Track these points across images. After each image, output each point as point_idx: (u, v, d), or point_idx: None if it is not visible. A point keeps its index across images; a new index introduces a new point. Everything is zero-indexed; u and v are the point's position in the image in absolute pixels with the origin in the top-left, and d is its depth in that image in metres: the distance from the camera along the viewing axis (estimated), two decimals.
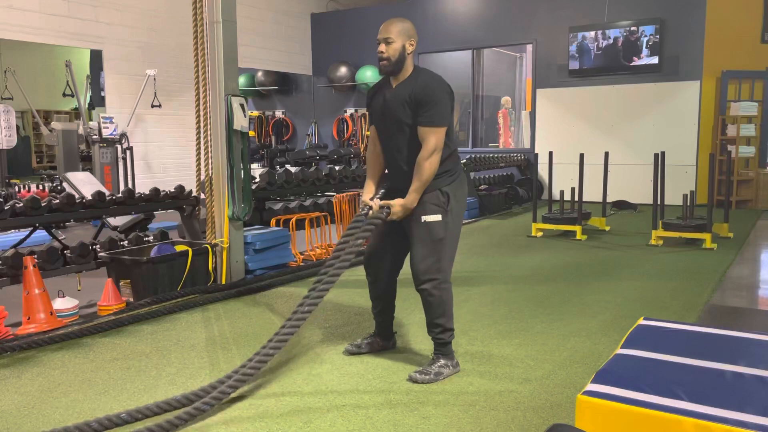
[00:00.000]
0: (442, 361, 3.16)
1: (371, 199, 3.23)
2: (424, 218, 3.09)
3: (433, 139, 3.02)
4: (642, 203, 9.53)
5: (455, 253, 3.22)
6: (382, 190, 3.28)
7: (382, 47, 3.09)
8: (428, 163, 3.02)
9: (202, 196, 5.30)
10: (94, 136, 8.64)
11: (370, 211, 3.16)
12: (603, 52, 10.31)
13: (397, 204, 3.09)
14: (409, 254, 3.19)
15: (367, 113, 3.52)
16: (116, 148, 8.86)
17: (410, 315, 4.17)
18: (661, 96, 10.06)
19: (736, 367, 2.20)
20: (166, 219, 7.61)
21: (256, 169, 10.41)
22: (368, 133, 3.37)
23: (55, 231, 5.49)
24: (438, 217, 3.08)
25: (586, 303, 4.54)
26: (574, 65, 10.54)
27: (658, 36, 9.87)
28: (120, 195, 5.16)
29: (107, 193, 5.18)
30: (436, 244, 3.07)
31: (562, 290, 4.92)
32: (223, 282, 5.05)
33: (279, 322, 4.16)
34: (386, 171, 3.35)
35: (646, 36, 9.99)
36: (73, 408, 2.91)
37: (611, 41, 10.23)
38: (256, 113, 13.58)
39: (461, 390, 3.01)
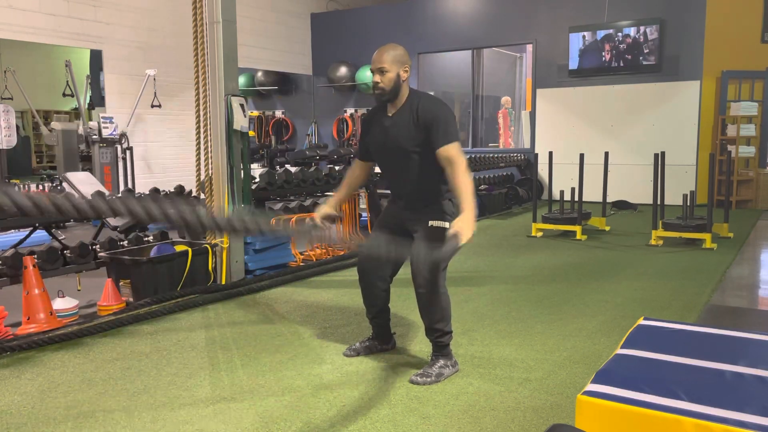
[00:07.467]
0: (442, 362, 3.17)
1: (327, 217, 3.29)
2: (431, 222, 3.10)
3: (457, 153, 3.00)
4: (642, 203, 9.52)
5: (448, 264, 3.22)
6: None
7: (377, 77, 3.07)
8: (466, 176, 2.95)
9: (202, 196, 5.30)
10: (94, 136, 8.63)
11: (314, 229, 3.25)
12: (603, 52, 10.31)
13: (464, 223, 2.80)
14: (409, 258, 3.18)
15: (360, 143, 3.46)
16: (116, 148, 8.86)
17: (410, 315, 4.16)
18: (661, 96, 10.06)
19: (736, 367, 2.20)
20: None
21: (256, 169, 10.38)
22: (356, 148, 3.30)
23: (55, 231, 5.50)
24: (446, 224, 3.09)
25: (586, 303, 4.54)
26: (574, 65, 10.54)
27: (658, 36, 9.88)
28: (120, 195, 5.15)
29: (107, 193, 5.18)
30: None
31: (562, 290, 4.92)
32: (223, 282, 5.05)
33: (279, 322, 4.17)
34: (391, 196, 3.37)
35: (646, 36, 9.99)
36: (73, 408, 2.90)
37: (611, 41, 10.23)
38: (256, 113, 13.57)
39: (461, 390, 3.01)
